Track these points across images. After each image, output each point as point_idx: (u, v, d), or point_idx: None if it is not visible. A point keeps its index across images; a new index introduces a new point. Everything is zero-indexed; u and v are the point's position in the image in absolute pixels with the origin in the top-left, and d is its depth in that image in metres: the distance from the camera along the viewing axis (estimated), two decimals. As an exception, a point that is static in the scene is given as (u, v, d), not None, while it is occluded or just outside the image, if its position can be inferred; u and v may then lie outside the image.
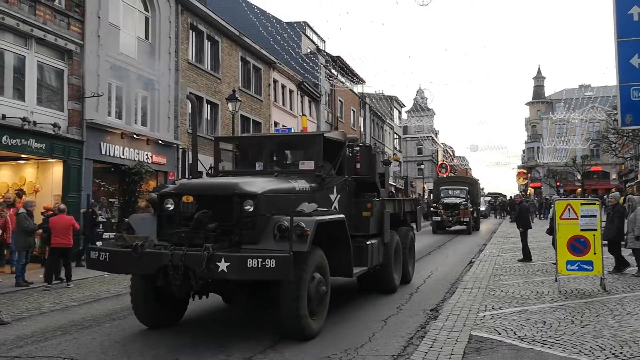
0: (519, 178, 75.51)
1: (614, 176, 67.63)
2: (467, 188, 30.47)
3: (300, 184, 8.15)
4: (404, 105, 72.54)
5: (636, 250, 11.58)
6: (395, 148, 65.23)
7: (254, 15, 27.38)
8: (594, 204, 10.26)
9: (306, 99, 37.88)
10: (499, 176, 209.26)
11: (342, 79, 44.39)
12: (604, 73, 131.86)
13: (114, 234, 12.17)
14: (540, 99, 78.98)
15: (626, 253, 12.36)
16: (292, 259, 6.37)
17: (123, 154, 18.59)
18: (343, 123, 43.98)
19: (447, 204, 27.91)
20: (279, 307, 6.97)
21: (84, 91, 16.94)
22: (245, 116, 27.48)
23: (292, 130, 28.88)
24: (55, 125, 15.77)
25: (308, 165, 8.83)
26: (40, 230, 13.41)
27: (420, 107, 71.17)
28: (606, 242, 11.76)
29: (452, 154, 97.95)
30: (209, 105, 24.80)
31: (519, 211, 16.36)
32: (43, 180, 16.76)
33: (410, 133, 76.05)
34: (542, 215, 37.70)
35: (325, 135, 9.10)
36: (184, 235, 6.93)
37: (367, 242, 9.15)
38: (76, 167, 16.73)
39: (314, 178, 8.47)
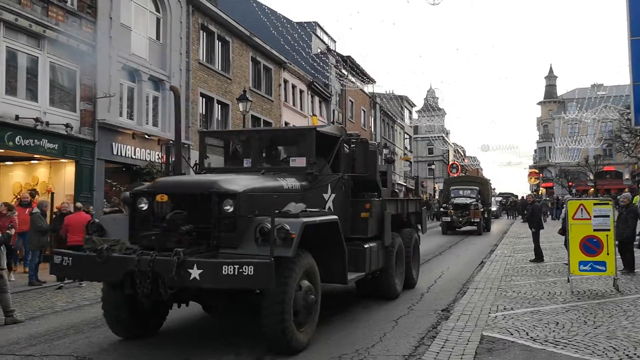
0: (531, 178, 74.96)
1: (627, 176, 67.07)
2: (477, 188, 29.86)
3: (290, 182, 7.53)
4: (415, 105, 72.36)
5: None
6: (405, 148, 65.09)
7: (265, 15, 27.44)
8: (607, 203, 10.17)
9: (316, 99, 37.90)
10: (510, 176, 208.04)
11: (353, 79, 44.36)
12: (617, 72, 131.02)
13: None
14: (552, 99, 78.50)
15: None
16: (274, 265, 5.78)
17: (134, 154, 18.71)
18: (353, 123, 43.95)
19: (457, 204, 27.32)
20: (262, 318, 6.32)
21: (95, 91, 17.08)
22: (255, 116, 27.53)
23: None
24: (67, 125, 15.92)
25: (299, 161, 8.14)
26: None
27: (431, 107, 70.98)
28: (617, 242, 11.67)
29: (463, 154, 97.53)
30: (219, 106, 24.88)
31: (531, 211, 16.26)
32: (56, 181, 16.91)
33: (421, 133, 75.85)
34: (553, 216, 37.33)
35: (318, 129, 8.36)
36: (154, 238, 6.35)
37: (365, 246, 8.56)
38: (88, 167, 16.88)
39: (305, 176, 7.85)
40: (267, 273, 5.75)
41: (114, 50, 17.86)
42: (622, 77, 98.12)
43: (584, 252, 9.92)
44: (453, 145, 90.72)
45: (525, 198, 36.99)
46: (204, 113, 23.73)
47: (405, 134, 65.31)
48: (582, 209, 10.02)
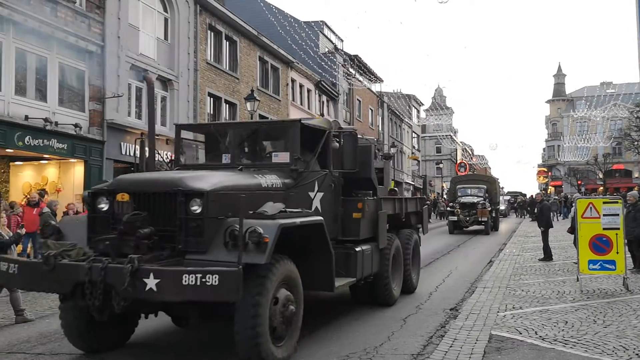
0: (540, 177, 74.67)
1: (636, 174, 66.61)
2: (485, 186, 29.33)
3: (270, 180, 6.81)
4: (423, 104, 72.23)
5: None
6: (413, 147, 64.99)
7: (272, 14, 27.47)
8: (617, 202, 10.13)
9: (324, 98, 37.92)
10: (519, 175, 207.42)
11: (360, 78, 44.32)
12: (626, 70, 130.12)
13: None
14: (560, 97, 78.08)
15: None
16: (242, 274, 5.11)
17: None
18: (361, 122, 43.91)
19: (464, 203, 26.74)
20: (234, 334, 5.63)
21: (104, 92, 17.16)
22: (263, 116, 27.56)
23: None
24: (76, 125, 16.02)
25: (282, 157, 7.42)
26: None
27: (439, 106, 70.87)
28: (626, 240, 11.60)
29: (471, 152, 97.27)
30: (227, 105, 24.94)
31: (540, 210, 16.20)
32: (65, 180, 17.02)
33: (428, 132, 75.66)
34: (561, 215, 37.02)
35: (303, 122, 7.57)
36: (109, 243, 5.66)
37: (357, 249, 7.90)
38: (97, 167, 16.99)
39: (289, 172, 7.12)
40: (234, 283, 5.07)
41: (122, 50, 17.95)
42: (632, 74, 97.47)
43: (593, 250, 9.88)
44: (461, 144, 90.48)
45: (534, 197, 36.81)
46: (211, 113, 23.80)
47: (413, 133, 65.20)
48: (591, 207, 9.98)
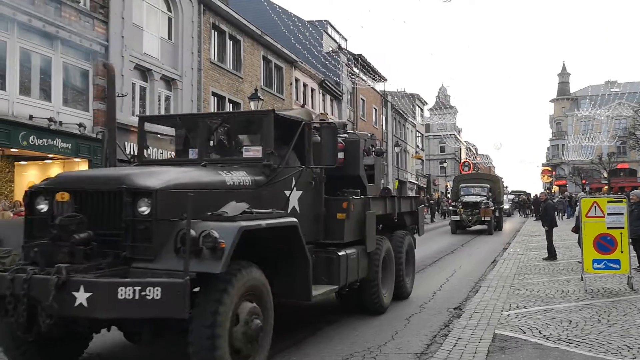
0: (544, 176, 74.46)
1: (641, 174, 66.44)
2: (488, 185, 29.14)
3: (237, 177, 6.03)
4: (427, 103, 72.21)
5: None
6: (417, 146, 64.96)
7: (276, 14, 27.51)
8: (621, 201, 10.10)
9: (328, 97, 37.93)
10: (523, 174, 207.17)
11: (364, 77, 44.31)
12: (631, 69, 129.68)
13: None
14: (565, 96, 77.90)
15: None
16: (189, 286, 4.43)
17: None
18: (365, 121, 43.91)
19: (466, 202, 26.42)
20: (188, 351, 4.88)
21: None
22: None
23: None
24: (80, 125, 16.06)
25: (254, 151, 6.64)
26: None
27: (443, 105, 70.79)
28: (631, 239, 11.57)
29: (475, 151, 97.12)
30: (231, 105, 24.96)
31: (544, 209, 16.17)
32: (69, 180, 17.03)
33: (432, 131, 75.62)
34: (565, 214, 36.85)
35: (277, 112, 6.82)
36: (38, 250, 4.88)
37: (340, 253, 7.16)
38: (101, 166, 17.00)
39: (261, 169, 6.36)
40: (179, 297, 4.38)
41: (126, 49, 17.99)
42: (637, 73, 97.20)
43: (597, 250, 9.85)
44: (465, 143, 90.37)
45: (538, 196, 36.71)
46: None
47: (417, 132, 65.19)
48: (595, 206, 9.96)
